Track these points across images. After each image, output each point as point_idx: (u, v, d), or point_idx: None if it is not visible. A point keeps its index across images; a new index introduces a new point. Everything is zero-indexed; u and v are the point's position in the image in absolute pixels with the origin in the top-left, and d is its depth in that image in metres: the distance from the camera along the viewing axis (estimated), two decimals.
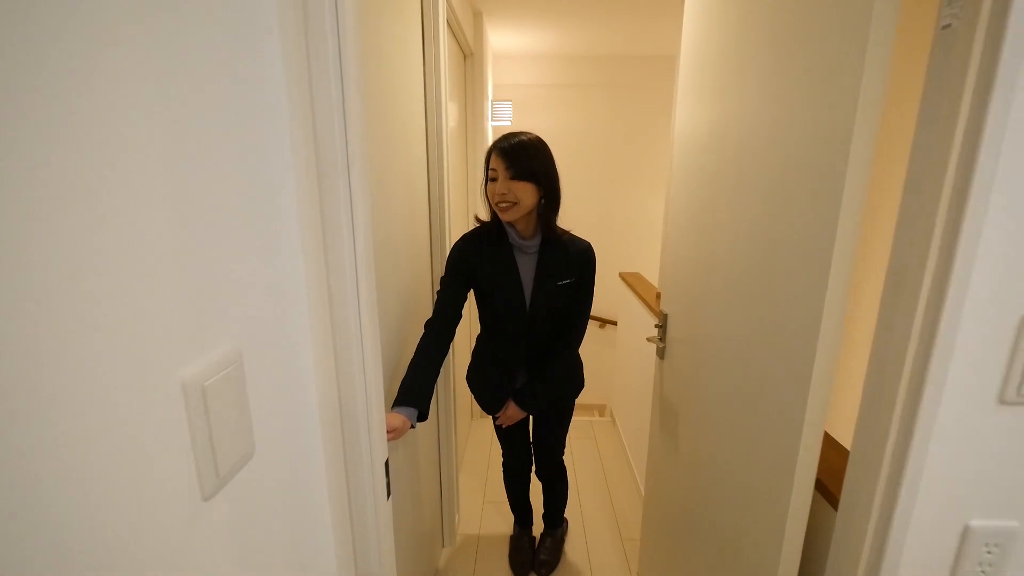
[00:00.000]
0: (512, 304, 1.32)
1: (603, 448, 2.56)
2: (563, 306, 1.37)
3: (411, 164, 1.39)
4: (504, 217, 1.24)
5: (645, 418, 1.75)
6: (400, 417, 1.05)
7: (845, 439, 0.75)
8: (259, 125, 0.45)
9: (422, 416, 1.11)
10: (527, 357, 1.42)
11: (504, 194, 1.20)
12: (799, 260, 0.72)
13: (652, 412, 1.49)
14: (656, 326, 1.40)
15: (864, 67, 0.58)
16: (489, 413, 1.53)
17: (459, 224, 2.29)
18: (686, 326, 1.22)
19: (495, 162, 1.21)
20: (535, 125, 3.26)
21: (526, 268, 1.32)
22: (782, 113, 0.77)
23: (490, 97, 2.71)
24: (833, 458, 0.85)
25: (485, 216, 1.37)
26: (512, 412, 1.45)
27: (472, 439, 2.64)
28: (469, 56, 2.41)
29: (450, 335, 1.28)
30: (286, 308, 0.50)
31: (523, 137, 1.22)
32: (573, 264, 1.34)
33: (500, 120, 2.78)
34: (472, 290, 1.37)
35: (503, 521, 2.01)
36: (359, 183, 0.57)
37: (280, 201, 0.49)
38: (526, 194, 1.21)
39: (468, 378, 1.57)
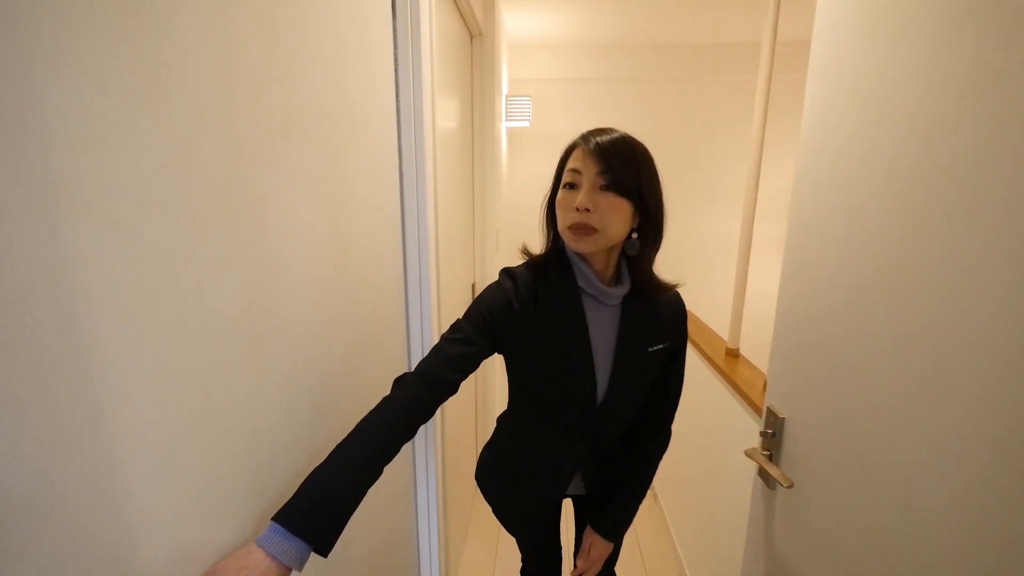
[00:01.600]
0: (577, 380, 0.85)
1: (642, 531, 2.00)
2: (648, 384, 0.91)
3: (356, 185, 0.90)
4: (577, 246, 0.79)
5: (706, 512, 1.20)
6: (262, 560, 0.51)
7: None
8: None
9: (323, 549, 0.57)
10: (587, 459, 0.94)
11: (587, 211, 0.75)
12: None
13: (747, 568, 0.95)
14: (764, 434, 0.86)
15: None
16: (518, 534, 1.06)
17: (463, 266, 1.78)
18: (834, 448, 0.71)
19: (581, 161, 0.78)
20: (556, 126, 2.74)
21: (602, 328, 0.85)
22: None
23: (504, 91, 2.20)
24: None
25: (538, 248, 0.90)
26: (599, 552, 0.97)
27: (480, 510, 2.12)
28: (477, 36, 1.91)
29: (427, 413, 0.74)
30: None
31: (627, 136, 0.79)
32: (665, 321, 0.88)
33: (516, 119, 2.27)
34: (502, 355, 0.89)
35: None
36: None
37: None
38: (617, 217, 0.77)
39: (483, 479, 1.07)
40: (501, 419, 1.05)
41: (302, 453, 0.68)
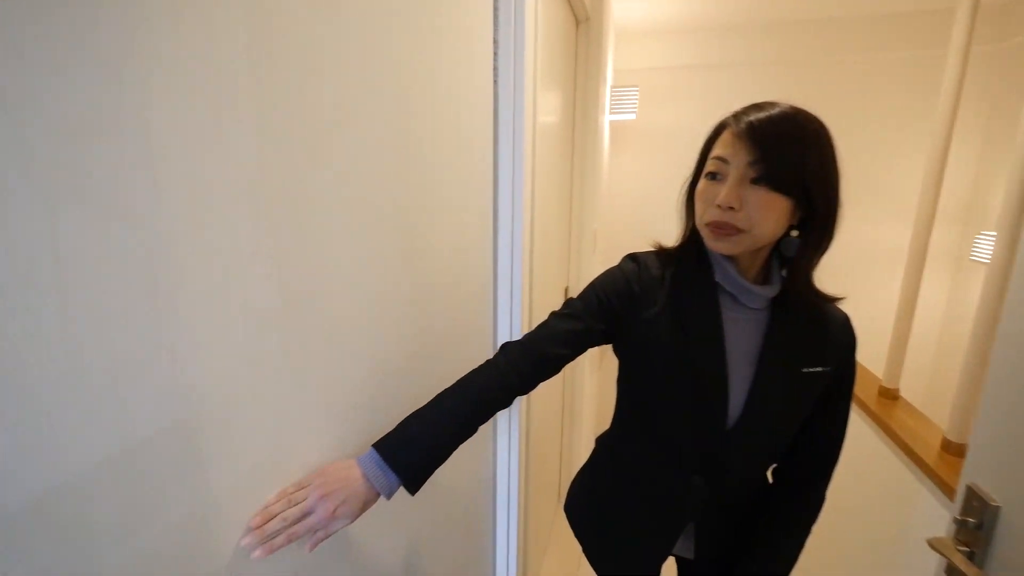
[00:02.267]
0: (703, 392, 0.70)
1: None
2: (798, 417, 0.72)
3: (459, 189, 0.84)
4: (715, 246, 0.67)
5: None
6: (359, 478, 0.57)
7: None
8: None
9: (410, 486, 0.61)
10: (705, 503, 0.76)
11: (731, 209, 0.62)
12: None
13: None
14: (961, 522, 0.66)
15: None
16: None
17: (556, 268, 1.68)
18: None
19: (729, 147, 0.64)
20: (664, 119, 2.52)
21: (741, 333, 0.70)
22: None
23: (609, 81, 2.05)
24: None
25: (671, 242, 0.79)
26: None
27: (561, 530, 2.02)
28: (583, 22, 1.79)
29: (524, 386, 0.72)
30: None
31: (792, 112, 0.62)
32: (828, 340, 0.71)
33: (622, 112, 2.11)
34: (614, 349, 0.80)
35: None
36: None
37: None
38: (769, 216, 0.62)
39: (574, 513, 0.94)
40: (602, 441, 0.92)
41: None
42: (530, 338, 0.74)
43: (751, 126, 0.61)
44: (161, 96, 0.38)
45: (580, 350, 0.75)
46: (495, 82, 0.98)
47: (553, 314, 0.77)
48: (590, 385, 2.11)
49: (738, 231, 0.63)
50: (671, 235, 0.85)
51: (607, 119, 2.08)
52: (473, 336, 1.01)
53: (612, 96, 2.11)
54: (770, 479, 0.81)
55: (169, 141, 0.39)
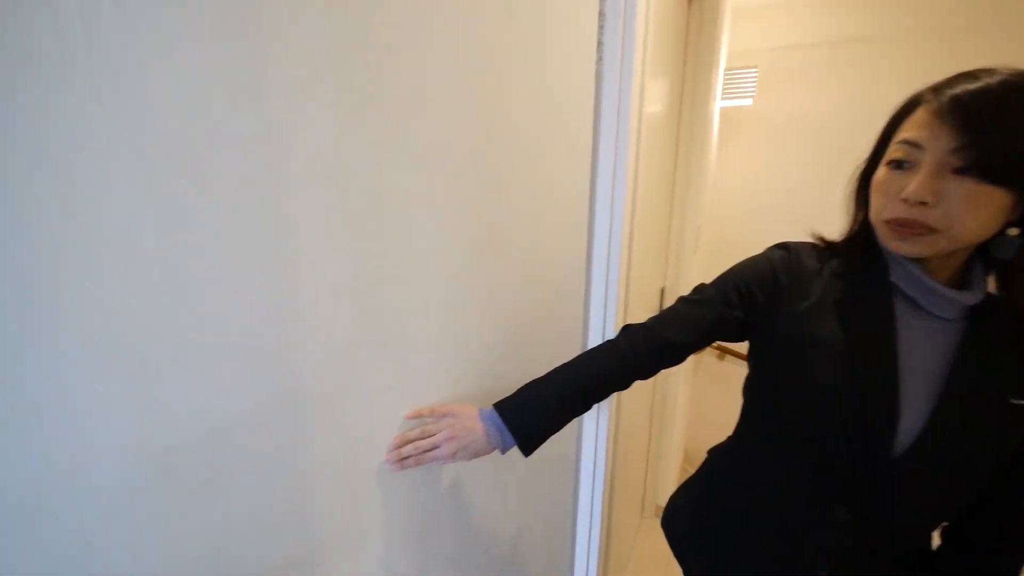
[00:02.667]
0: (861, 406, 0.58)
1: None
2: (993, 459, 0.57)
3: (548, 186, 0.79)
4: (898, 247, 0.55)
5: None
6: (481, 433, 0.64)
7: None
8: None
9: (524, 449, 0.67)
10: (847, 547, 0.63)
11: (923, 204, 0.51)
12: None
13: None
14: None
15: None
16: None
17: (653, 268, 1.57)
18: None
19: (925, 128, 0.51)
20: (787, 106, 2.24)
21: (922, 344, 0.58)
22: None
23: (722, 64, 1.86)
24: None
25: (834, 235, 0.69)
26: None
27: (644, 544, 1.91)
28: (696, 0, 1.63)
29: (643, 371, 0.72)
30: None
31: (1015, 81, 0.48)
32: None
33: (737, 96, 1.92)
34: (749, 349, 0.73)
35: None
36: None
37: None
38: (976, 214, 0.50)
39: (676, 531, 0.86)
40: (719, 454, 0.83)
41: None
42: (654, 322, 0.71)
43: (958, 102, 0.48)
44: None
45: (707, 340, 0.71)
46: (599, 60, 0.90)
47: (682, 299, 0.73)
48: (684, 393, 1.96)
49: (930, 231, 0.51)
50: (782, 233, 0.75)
51: (718, 105, 1.89)
52: (561, 334, 0.96)
53: (726, 80, 1.92)
54: (937, 541, 0.66)
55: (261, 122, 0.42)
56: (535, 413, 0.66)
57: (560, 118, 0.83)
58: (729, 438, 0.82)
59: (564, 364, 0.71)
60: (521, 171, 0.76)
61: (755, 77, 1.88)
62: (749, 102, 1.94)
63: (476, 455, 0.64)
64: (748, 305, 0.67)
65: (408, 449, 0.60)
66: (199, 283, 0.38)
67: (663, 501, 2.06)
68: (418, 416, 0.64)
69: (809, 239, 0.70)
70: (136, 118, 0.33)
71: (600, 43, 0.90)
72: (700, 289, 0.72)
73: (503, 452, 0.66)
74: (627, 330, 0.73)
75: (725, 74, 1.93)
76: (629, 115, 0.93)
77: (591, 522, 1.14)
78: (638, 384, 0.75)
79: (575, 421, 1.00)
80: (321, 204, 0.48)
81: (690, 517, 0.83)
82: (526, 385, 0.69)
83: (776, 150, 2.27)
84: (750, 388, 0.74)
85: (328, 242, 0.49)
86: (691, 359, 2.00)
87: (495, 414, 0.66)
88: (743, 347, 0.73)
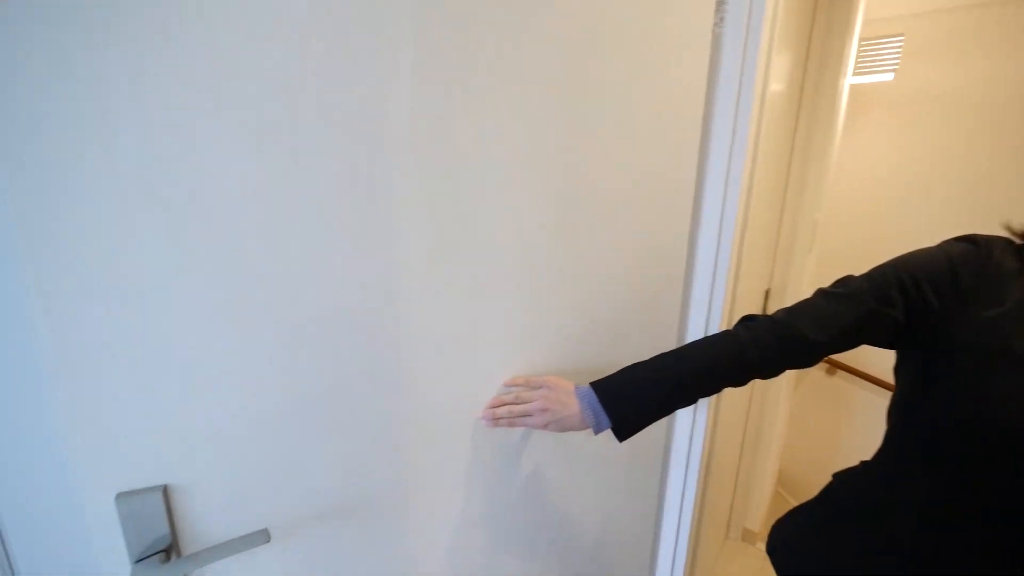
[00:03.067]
0: None
1: None
2: None
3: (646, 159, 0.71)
4: None
5: None
6: (576, 410, 0.64)
7: None
8: None
9: (619, 433, 0.64)
10: None
11: None
12: None
13: None
14: None
15: None
16: None
17: (757, 267, 1.39)
18: None
19: None
20: (935, 81, 1.89)
21: None
22: None
23: (856, 34, 1.60)
24: None
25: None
26: None
27: (727, 568, 1.75)
28: None
29: (765, 368, 0.63)
30: None
31: None
32: None
33: (872, 71, 1.65)
34: (903, 359, 0.64)
35: None
36: None
37: None
38: None
39: (786, 558, 0.78)
40: (851, 480, 0.73)
41: None
42: (785, 314, 0.63)
43: None
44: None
45: (848, 342, 0.60)
46: (719, 22, 0.78)
47: (821, 291, 0.63)
48: (783, 410, 1.76)
49: None
50: (924, 234, 0.66)
51: (847, 82, 1.64)
52: (651, 331, 0.86)
53: (861, 52, 1.65)
54: None
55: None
56: (633, 397, 0.63)
57: (664, 86, 0.73)
58: (864, 465, 0.72)
59: (671, 350, 0.66)
60: (610, 145, 0.70)
61: (900, 46, 1.60)
62: (889, 77, 1.65)
63: (568, 429, 0.65)
64: (914, 306, 0.56)
65: (502, 411, 0.66)
66: (327, 271, 0.53)
67: (751, 524, 1.88)
68: (514, 384, 0.69)
69: (1003, 233, 0.56)
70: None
71: (718, 35, 0.78)
72: (846, 281, 0.62)
73: (596, 432, 0.65)
74: (748, 321, 0.66)
75: (862, 45, 1.66)
76: (753, 93, 0.80)
77: (677, 539, 1.04)
78: (732, 394, 0.71)
79: (665, 424, 0.90)
80: (410, 181, 0.54)
81: (809, 551, 0.74)
82: (628, 367, 0.66)
83: (915, 132, 1.93)
84: (902, 410, 0.62)
85: (419, 224, 0.57)
86: (791, 371, 1.78)
87: (591, 393, 0.64)
88: (863, 363, 0.61)
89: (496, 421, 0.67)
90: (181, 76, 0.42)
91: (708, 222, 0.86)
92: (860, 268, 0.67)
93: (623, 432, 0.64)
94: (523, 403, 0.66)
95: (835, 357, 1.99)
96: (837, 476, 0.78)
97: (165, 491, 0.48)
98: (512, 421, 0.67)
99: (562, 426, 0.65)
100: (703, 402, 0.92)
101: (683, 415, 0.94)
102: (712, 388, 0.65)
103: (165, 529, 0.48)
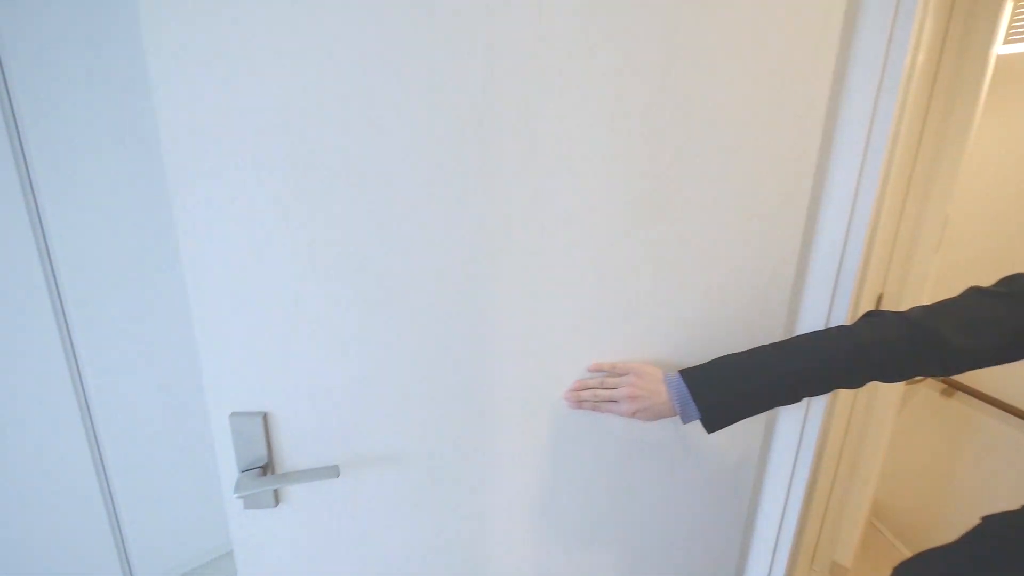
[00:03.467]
0: None
1: None
2: None
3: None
4: None
5: None
6: (665, 398, 0.62)
7: None
8: None
9: (709, 425, 0.62)
10: None
11: None
12: None
13: None
14: None
15: None
16: None
17: (873, 267, 1.19)
18: None
19: None
20: None
21: None
22: None
23: None
24: None
25: None
26: None
27: None
28: None
29: (900, 367, 0.56)
30: None
31: None
32: None
33: None
34: None
35: None
36: None
37: None
38: None
39: None
40: (1008, 520, 0.63)
41: None
42: (921, 312, 0.56)
43: None
44: None
45: (1003, 355, 0.53)
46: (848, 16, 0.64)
47: (975, 289, 0.56)
48: (887, 431, 1.54)
49: None
50: None
51: (996, 51, 1.37)
52: (746, 335, 0.74)
53: (1014, 15, 1.38)
54: None
55: None
56: (726, 387, 0.61)
57: (783, 44, 0.60)
58: None
59: (776, 342, 0.62)
60: (707, 113, 0.61)
61: None
62: None
63: (658, 418, 0.64)
64: None
65: (587, 395, 0.66)
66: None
67: (841, 558, 1.67)
68: (598, 369, 0.67)
69: None
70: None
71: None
72: (1014, 279, 0.54)
73: (684, 422, 0.63)
74: (873, 317, 0.59)
75: (1015, 7, 1.39)
76: (904, 61, 0.65)
77: (771, 569, 0.90)
78: (831, 406, 0.68)
79: (762, 434, 0.79)
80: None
81: None
82: (723, 356, 0.63)
83: None
84: None
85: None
86: (899, 389, 1.54)
87: (682, 385, 0.62)
88: (989, 384, 0.50)
89: (580, 404, 0.67)
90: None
91: (832, 216, 0.71)
92: (996, 275, 0.57)
93: (711, 422, 0.62)
94: (611, 388, 0.65)
95: (956, 376, 1.71)
96: (988, 520, 0.68)
97: (265, 418, 0.61)
98: (596, 406, 0.66)
99: (651, 413, 0.63)
100: (813, 417, 0.79)
101: (788, 430, 0.81)
102: (820, 386, 0.61)
103: (264, 450, 0.61)
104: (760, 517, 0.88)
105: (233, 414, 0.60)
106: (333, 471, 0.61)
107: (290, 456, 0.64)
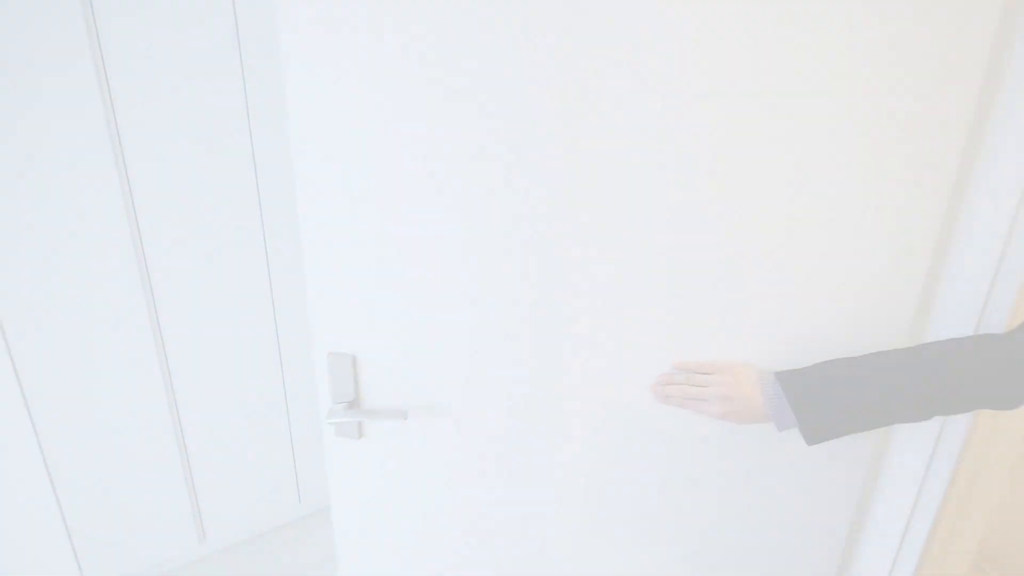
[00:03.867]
0: None
1: None
2: None
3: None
4: None
5: None
6: (760, 402, 0.58)
7: None
8: None
9: (809, 437, 0.57)
10: None
11: None
12: None
13: None
14: None
15: None
16: None
17: None
18: None
19: None
20: None
21: None
22: None
23: None
24: None
25: None
26: None
27: None
28: None
29: None
30: None
31: None
32: None
33: None
34: None
35: None
36: None
37: None
38: None
39: None
40: None
41: None
42: None
43: None
44: None
45: None
46: None
47: None
48: (1008, 463, 1.29)
49: None
50: None
51: None
52: (858, 337, 0.65)
53: None
54: None
55: None
56: (830, 395, 0.55)
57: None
58: None
59: (896, 352, 0.55)
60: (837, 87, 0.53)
61: None
62: None
63: (750, 422, 0.60)
64: None
65: (674, 389, 0.63)
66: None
67: None
68: (684, 367, 0.64)
69: None
70: None
71: None
72: None
73: (780, 429, 0.59)
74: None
75: None
76: None
77: None
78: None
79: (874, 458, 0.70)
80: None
81: None
82: (829, 363, 0.57)
83: None
84: None
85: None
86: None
87: (779, 389, 0.58)
88: None
89: (667, 399, 0.64)
90: None
91: (979, 223, 0.61)
92: None
93: (811, 433, 0.57)
94: (700, 385, 0.61)
95: None
96: None
97: (354, 360, 0.68)
98: (684, 403, 0.63)
99: (742, 418, 0.59)
100: (949, 440, 0.68)
101: (910, 452, 0.71)
102: (958, 404, 0.51)
103: (352, 387, 0.69)
104: (859, 560, 0.77)
105: (330, 354, 0.67)
106: (402, 413, 0.66)
107: (373, 397, 0.70)
